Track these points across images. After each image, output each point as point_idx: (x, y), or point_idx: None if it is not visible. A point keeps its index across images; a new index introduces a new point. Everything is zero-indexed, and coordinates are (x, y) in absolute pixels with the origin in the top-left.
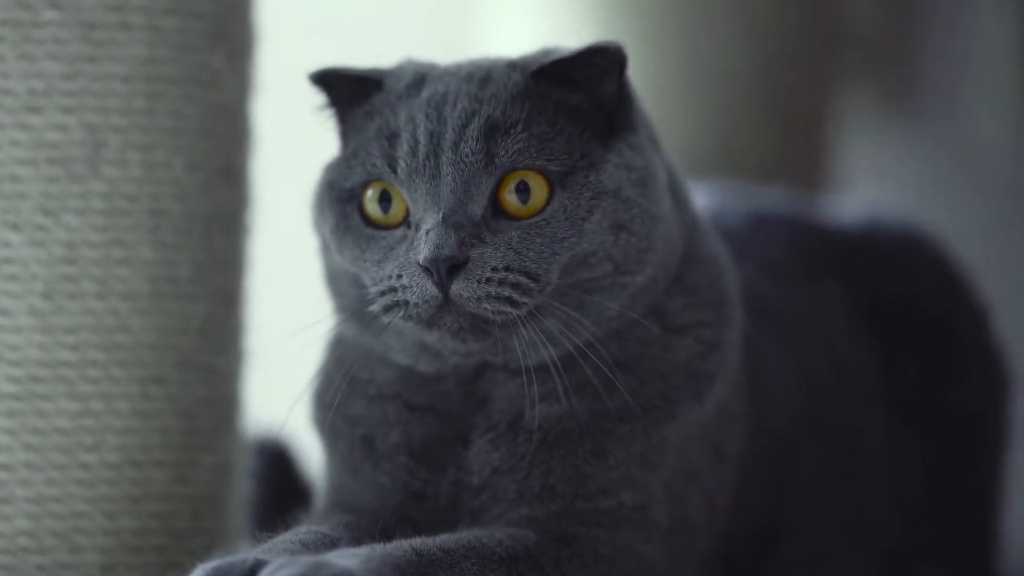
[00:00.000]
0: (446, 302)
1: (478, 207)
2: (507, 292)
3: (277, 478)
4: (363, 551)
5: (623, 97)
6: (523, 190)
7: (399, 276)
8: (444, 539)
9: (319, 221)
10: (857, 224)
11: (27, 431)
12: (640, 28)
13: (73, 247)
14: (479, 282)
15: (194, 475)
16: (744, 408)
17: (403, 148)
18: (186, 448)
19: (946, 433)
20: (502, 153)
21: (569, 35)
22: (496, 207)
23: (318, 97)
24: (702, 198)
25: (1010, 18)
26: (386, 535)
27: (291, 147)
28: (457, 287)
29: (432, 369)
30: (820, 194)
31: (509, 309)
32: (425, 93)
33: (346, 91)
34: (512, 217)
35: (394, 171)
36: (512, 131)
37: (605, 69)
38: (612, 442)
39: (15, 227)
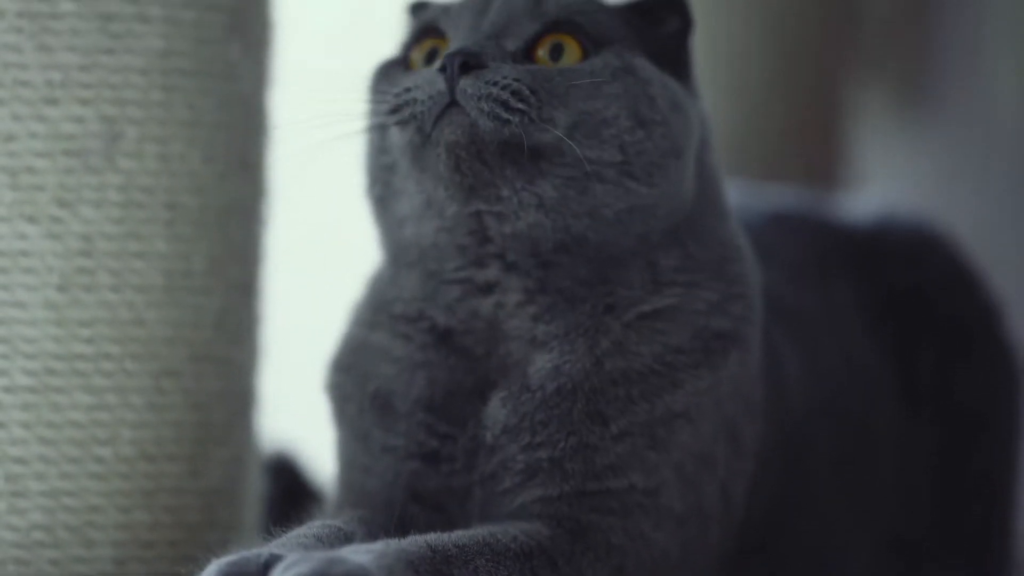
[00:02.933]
0: (451, 105)
1: (512, 45)
2: (506, 95)
3: (285, 489)
4: (377, 546)
5: (681, 53)
6: (557, 52)
7: (415, 82)
8: (459, 535)
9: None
10: (869, 221)
11: (42, 424)
12: None
13: (89, 239)
14: (486, 82)
15: (208, 469)
16: (762, 404)
17: None
18: (200, 441)
19: (958, 431)
20: (551, 3)
21: None
22: (528, 60)
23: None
24: None
25: None
26: (401, 529)
27: (308, 139)
28: (465, 83)
29: (432, 231)
30: (835, 190)
31: (502, 112)
32: None
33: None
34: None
35: (447, 12)
36: None
37: (663, 7)
38: (609, 407)
39: (32, 219)
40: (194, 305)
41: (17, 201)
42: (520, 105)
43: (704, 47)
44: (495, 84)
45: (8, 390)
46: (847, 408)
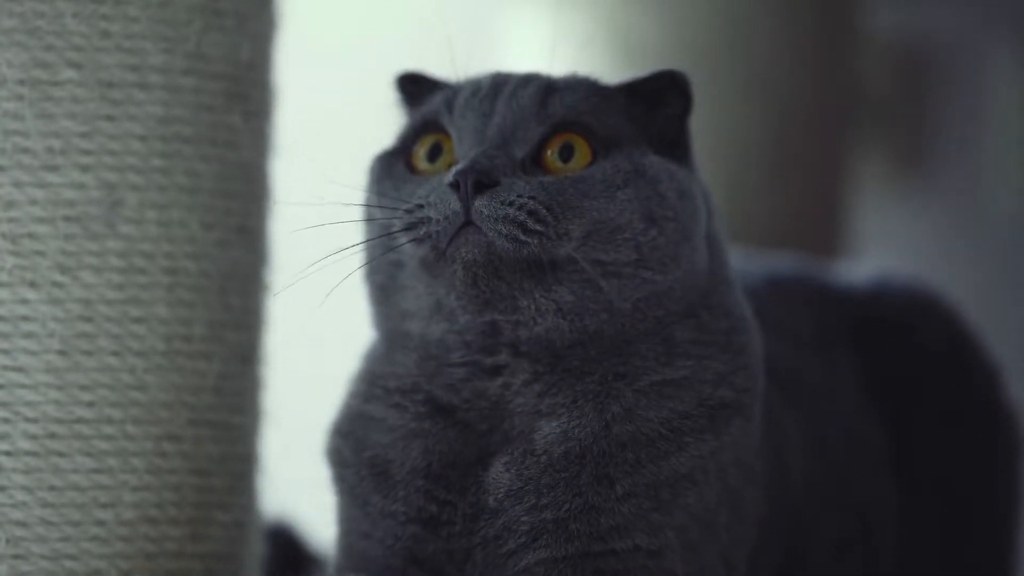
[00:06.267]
0: (466, 225)
1: (520, 151)
2: (523, 216)
3: (284, 555)
4: None
5: (682, 137)
6: (566, 153)
7: (428, 198)
8: None
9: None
10: (866, 286)
11: (43, 488)
12: None
13: (90, 305)
14: (502, 203)
15: (209, 532)
16: (763, 474)
17: (464, 92)
18: (201, 506)
19: (958, 497)
20: (556, 103)
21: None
22: (537, 164)
23: (395, 97)
24: None
25: None
26: None
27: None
28: (480, 203)
29: (440, 332)
30: (833, 260)
31: (520, 234)
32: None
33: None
34: (550, 172)
35: (450, 110)
36: (569, 92)
37: (665, 90)
38: (616, 470)
39: (33, 285)
40: (194, 370)
41: (18, 267)
42: (537, 227)
43: (706, 118)
44: (511, 204)
45: (10, 454)
46: (847, 484)
